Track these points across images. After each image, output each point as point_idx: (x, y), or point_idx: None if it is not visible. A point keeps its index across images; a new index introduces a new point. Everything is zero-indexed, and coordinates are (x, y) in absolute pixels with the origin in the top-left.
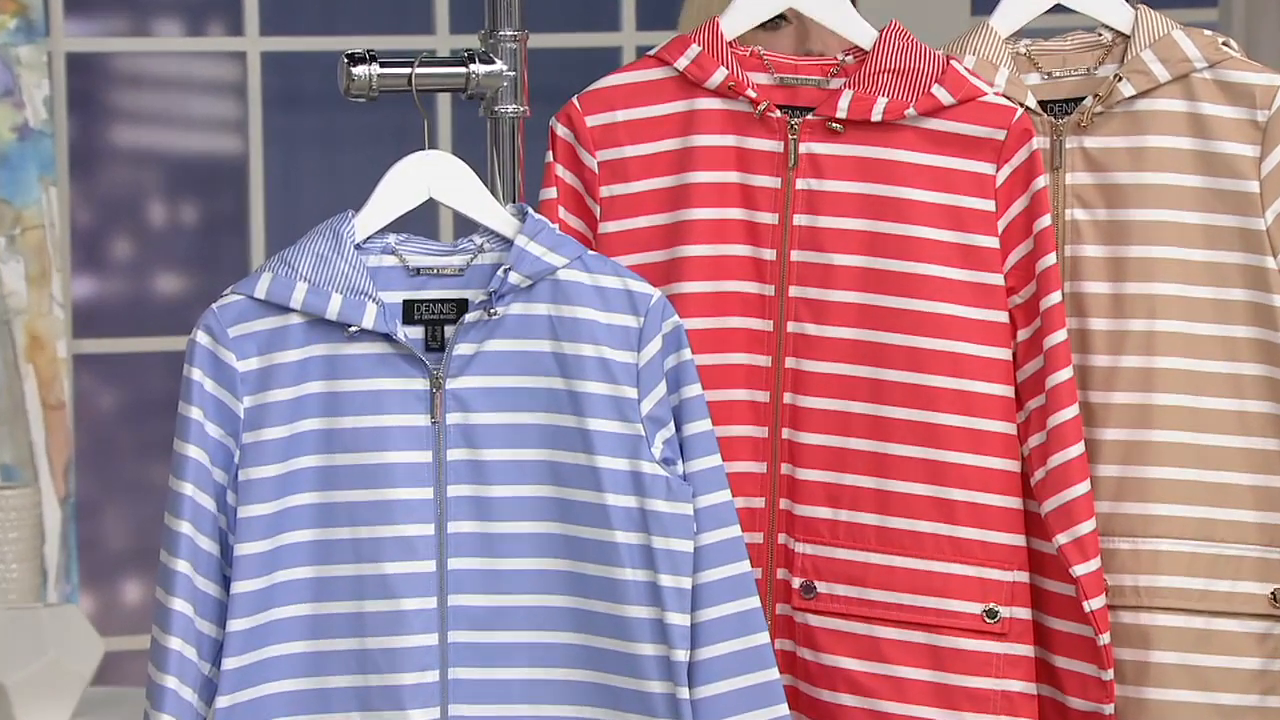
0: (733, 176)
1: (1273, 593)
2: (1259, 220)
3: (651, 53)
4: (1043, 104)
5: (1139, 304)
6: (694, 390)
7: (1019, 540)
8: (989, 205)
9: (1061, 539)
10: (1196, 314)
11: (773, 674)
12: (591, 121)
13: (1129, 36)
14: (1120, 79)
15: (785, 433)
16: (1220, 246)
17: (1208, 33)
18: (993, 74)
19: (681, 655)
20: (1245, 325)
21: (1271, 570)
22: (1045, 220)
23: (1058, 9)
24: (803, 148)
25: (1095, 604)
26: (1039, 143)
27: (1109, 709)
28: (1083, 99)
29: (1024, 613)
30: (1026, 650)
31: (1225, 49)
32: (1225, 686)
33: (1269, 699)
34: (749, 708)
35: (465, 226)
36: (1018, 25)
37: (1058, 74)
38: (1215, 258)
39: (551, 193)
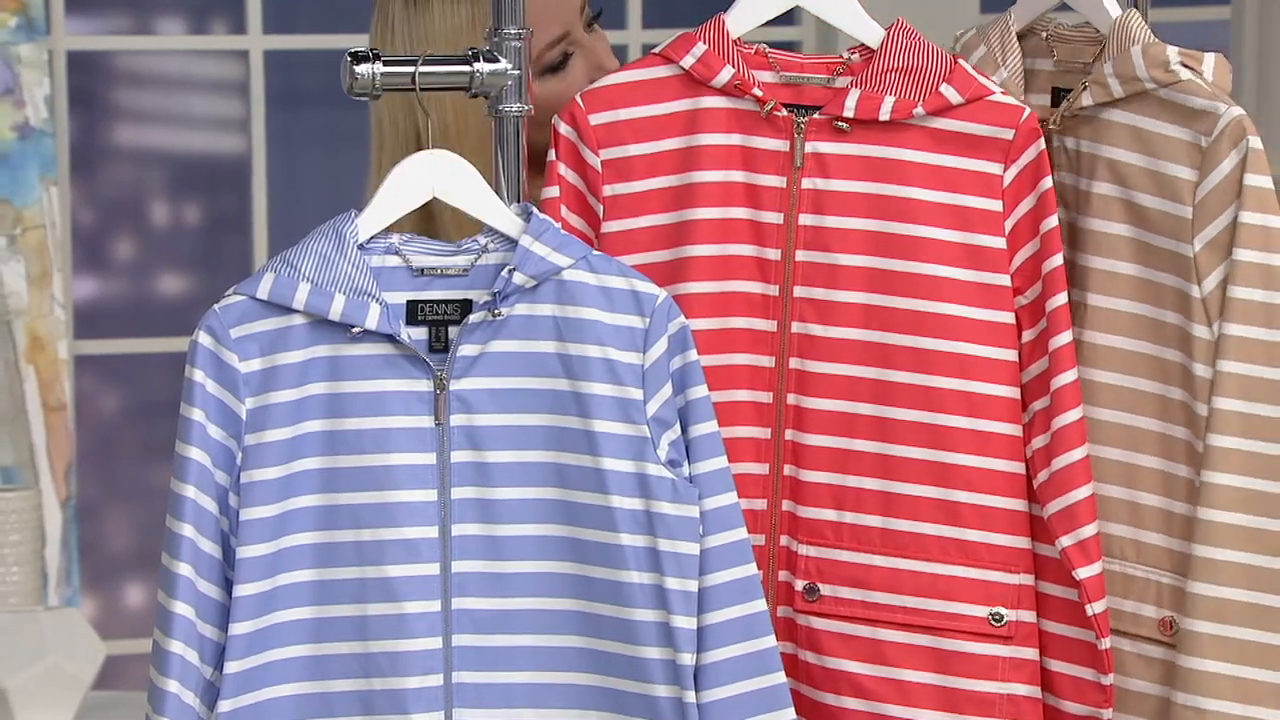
0: (738, 176)
1: (1166, 620)
2: (1189, 246)
3: (656, 50)
4: (1055, 91)
5: (1077, 313)
6: (700, 391)
7: (1024, 543)
8: (996, 205)
9: (1065, 541)
10: (1128, 330)
11: (779, 677)
12: (595, 120)
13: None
14: (1085, 87)
15: (788, 434)
16: (1154, 266)
17: (1173, 51)
18: (995, 69)
19: (688, 659)
20: (1173, 349)
21: (1166, 596)
22: (1052, 220)
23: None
24: (808, 147)
25: (1098, 607)
26: None
27: (1107, 714)
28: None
29: (1029, 616)
30: (1032, 654)
31: (1177, 70)
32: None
33: None
34: (756, 712)
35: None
36: (1029, 19)
37: (1064, 65)
38: (1150, 276)
39: (554, 191)
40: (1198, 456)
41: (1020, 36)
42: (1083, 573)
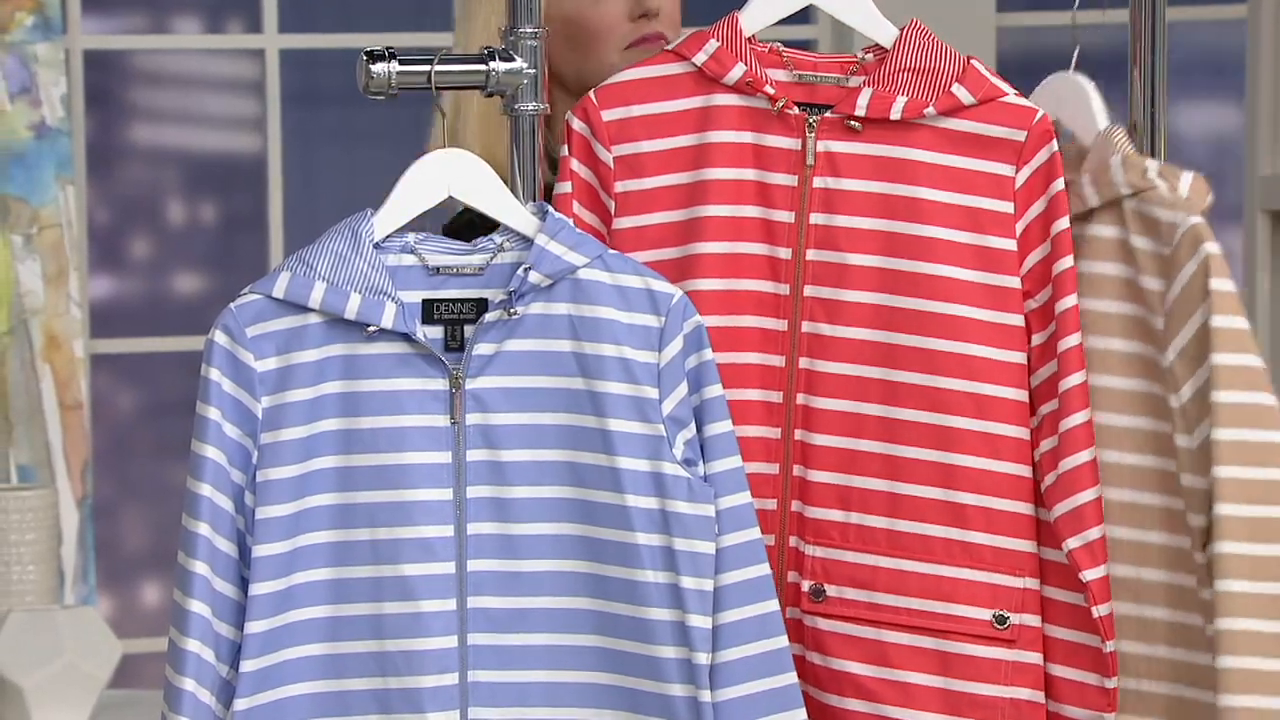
0: (749, 174)
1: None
2: (1164, 356)
3: (669, 47)
4: None
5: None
6: (715, 390)
7: (1030, 546)
8: (1007, 207)
9: (1072, 543)
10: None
11: (791, 678)
12: (607, 116)
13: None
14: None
15: (798, 434)
16: (1145, 377)
17: (1152, 163)
18: None
19: (703, 658)
20: (1164, 458)
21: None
22: (1063, 223)
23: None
24: (820, 146)
25: (1104, 610)
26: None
27: (1110, 718)
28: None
29: (1034, 620)
30: (1036, 658)
31: (1153, 179)
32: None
33: None
34: (767, 712)
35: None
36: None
37: None
38: (1143, 388)
39: (566, 187)
40: (1191, 566)
41: None
42: (1089, 575)
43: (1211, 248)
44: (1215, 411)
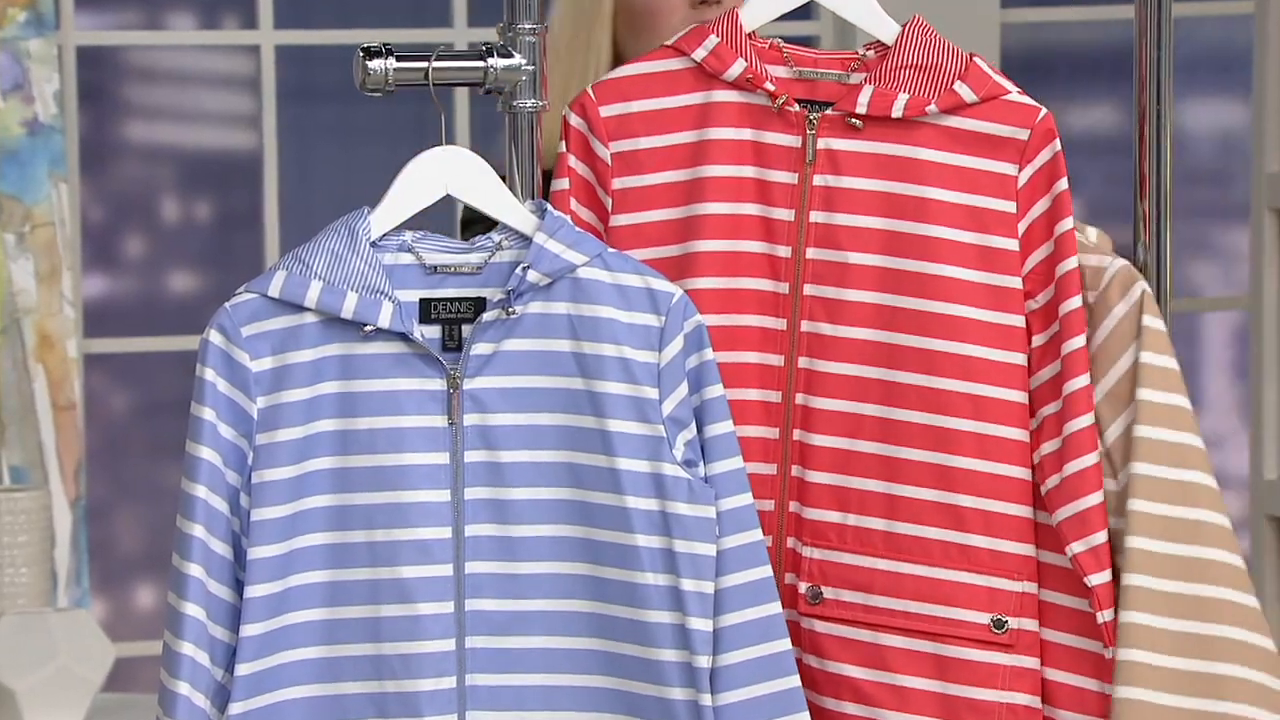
0: (749, 171)
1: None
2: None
3: (669, 43)
4: None
5: None
6: (716, 391)
7: (1028, 550)
8: (1010, 207)
9: (1077, 548)
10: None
11: (794, 681)
12: (605, 112)
13: None
14: None
15: (796, 434)
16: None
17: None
18: None
19: (704, 661)
20: None
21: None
22: (1067, 223)
23: None
24: (821, 143)
25: (1108, 615)
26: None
27: None
28: None
29: (1032, 624)
30: (1033, 663)
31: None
32: None
33: None
34: (770, 715)
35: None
36: None
37: None
38: None
39: (564, 184)
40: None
41: None
42: (1095, 579)
43: (1145, 286)
44: (1137, 447)
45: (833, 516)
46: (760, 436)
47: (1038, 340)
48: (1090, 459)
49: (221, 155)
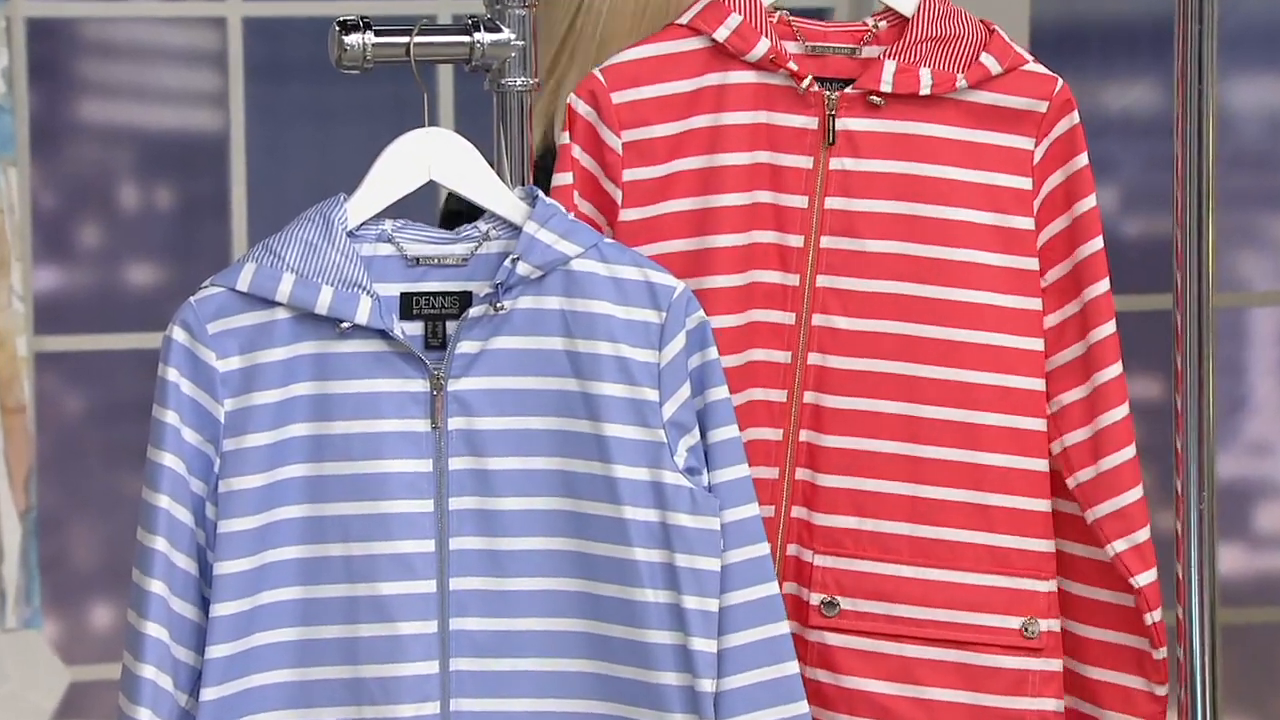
0: (763, 157)
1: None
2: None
3: (682, 21)
4: None
5: None
6: (720, 393)
7: (1051, 546)
8: (1026, 183)
9: (1120, 545)
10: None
11: (802, 707)
12: (618, 98)
13: None
14: None
15: (804, 435)
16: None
17: None
18: None
19: (708, 685)
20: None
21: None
22: (1089, 201)
23: None
24: (839, 124)
25: (1157, 615)
26: None
27: None
28: None
29: (1056, 625)
30: (1058, 666)
31: None
32: None
33: None
34: None
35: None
36: None
37: None
38: None
39: (566, 178)
40: None
41: None
42: (1142, 579)
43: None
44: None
45: (848, 522)
46: (763, 438)
47: (1050, 320)
48: (1128, 452)
49: (185, 137)
